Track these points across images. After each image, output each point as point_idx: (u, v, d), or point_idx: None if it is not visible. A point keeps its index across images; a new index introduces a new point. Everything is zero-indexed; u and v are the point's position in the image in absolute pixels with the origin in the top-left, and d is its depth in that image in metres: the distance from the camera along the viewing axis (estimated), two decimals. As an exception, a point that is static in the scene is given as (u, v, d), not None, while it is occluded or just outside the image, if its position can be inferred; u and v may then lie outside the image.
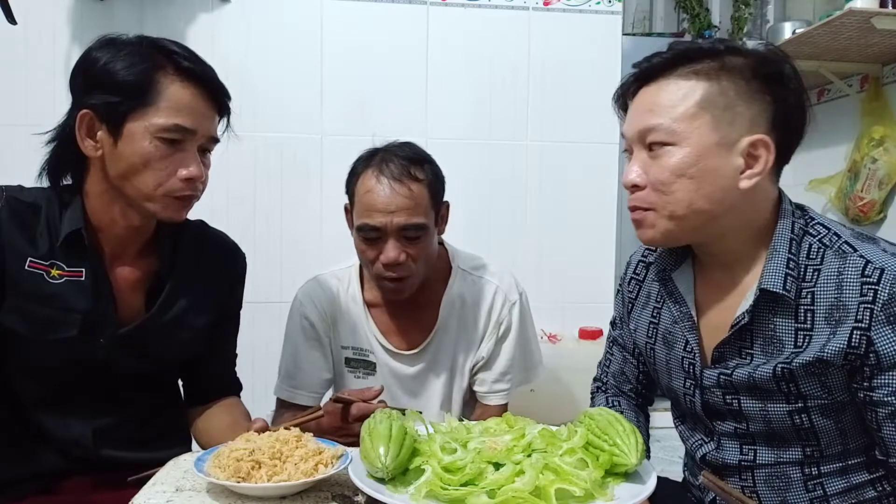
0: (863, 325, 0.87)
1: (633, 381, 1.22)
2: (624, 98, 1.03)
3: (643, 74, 0.98)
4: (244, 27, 2.24)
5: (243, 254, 1.32)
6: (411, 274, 1.36)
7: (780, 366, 0.92)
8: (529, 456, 0.85)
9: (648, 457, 1.16)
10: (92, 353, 1.10)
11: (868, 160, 2.35)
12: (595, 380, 1.29)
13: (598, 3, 2.38)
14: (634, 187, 0.96)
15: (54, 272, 1.09)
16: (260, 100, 2.25)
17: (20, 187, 1.14)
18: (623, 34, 2.47)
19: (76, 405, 1.13)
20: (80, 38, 2.13)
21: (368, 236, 1.33)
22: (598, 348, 2.24)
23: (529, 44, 2.37)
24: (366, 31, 2.29)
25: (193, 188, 1.11)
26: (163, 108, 1.06)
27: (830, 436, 0.95)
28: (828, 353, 0.89)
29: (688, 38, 2.86)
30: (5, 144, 2.10)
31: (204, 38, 2.20)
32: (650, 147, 0.94)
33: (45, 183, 1.15)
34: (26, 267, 1.07)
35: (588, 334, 2.29)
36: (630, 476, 0.86)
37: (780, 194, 0.98)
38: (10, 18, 1.91)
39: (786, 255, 0.93)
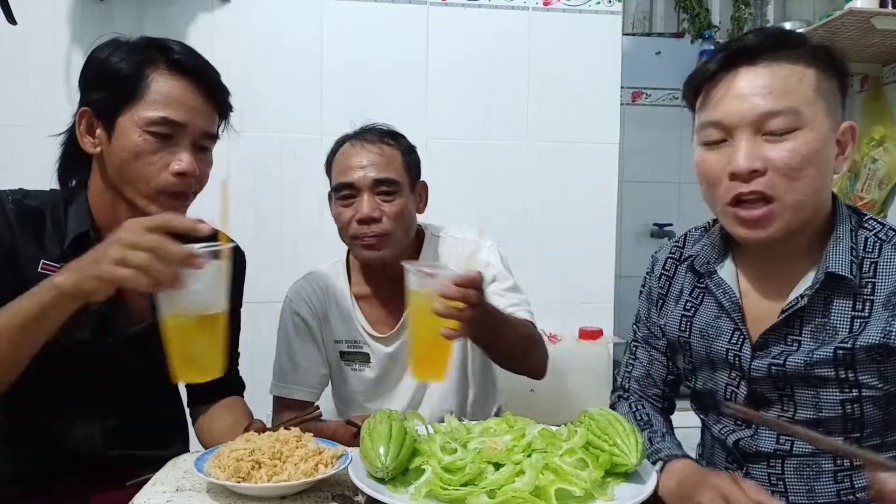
0: None
1: (659, 385, 1.20)
2: (706, 80, 0.97)
3: (740, 53, 0.93)
4: (244, 27, 2.24)
5: (242, 251, 1.32)
6: (387, 232, 1.38)
7: (840, 350, 0.93)
8: (529, 456, 0.85)
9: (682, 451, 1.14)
10: (100, 354, 1.10)
11: (868, 160, 2.35)
12: (615, 389, 1.26)
13: (598, 3, 2.38)
14: (754, 172, 0.91)
15: None
16: (260, 100, 2.24)
17: (23, 191, 1.14)
18: (623, 34, 2.46)
19: (81, 406, 1.13)
20: (80, 38, 2.13)
21: (343, 195, 1.40)
22: (598, 348, 2.26)
23: (529, 44, 2.37)
24: (366, 30, 2.29)
25: (187, 184, 1.09)
26: (150, 101, 1.05)
27: (875, 427, 0.96)
28: (893, 337, 0.90)
29: (688, 38, 2.86)
30: (5, 144, 2.10)
31: (204, 38, 2.19)
32: (769, 132, 0.91)
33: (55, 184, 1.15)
34: (39, 270, 1.07)
35: (588, 334, 2.29)
36: (630, 476, 0.86)
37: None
38: (10, 18, 1.90)
39: (849, 244, 0.95)
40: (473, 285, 1.06)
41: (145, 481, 0.98)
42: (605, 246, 2.43)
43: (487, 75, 2.35)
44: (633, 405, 1.19)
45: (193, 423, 1.29)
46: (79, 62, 2.24)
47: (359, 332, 1.49)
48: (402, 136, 1.49)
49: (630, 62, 2.48)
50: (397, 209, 1.40)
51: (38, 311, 0.91)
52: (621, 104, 2.42)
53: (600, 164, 2.40)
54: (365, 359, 1.49)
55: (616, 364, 2.25)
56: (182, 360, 0.92)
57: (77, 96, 1.13)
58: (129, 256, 0.85)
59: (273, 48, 2.25)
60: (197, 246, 0.88)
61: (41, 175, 1.20)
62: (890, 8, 2.04)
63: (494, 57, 2.35)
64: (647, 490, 0.83)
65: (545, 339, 2.22)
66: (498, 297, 1.43)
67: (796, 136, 0.90)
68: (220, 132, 1.18)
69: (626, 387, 1.24)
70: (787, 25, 2.47)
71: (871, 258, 0.95)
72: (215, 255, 0.89)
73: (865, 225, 0.98)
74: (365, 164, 1.39)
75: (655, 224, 3.09)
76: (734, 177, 0.92)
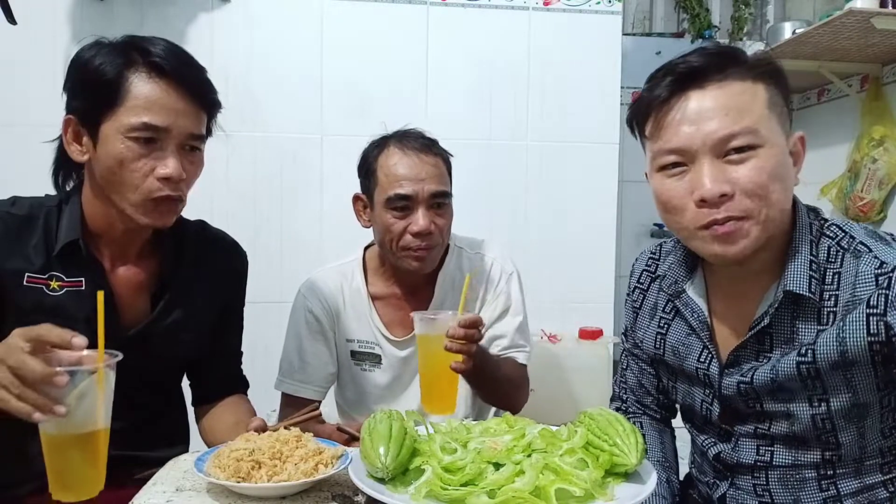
0: (878, 311, 0.86)
1: (652, 393, 1.19)
2: (657, 107, 0.94)
3: (689, 76, 0.91)
4: (244, 27, 2.24)
5: (244, 251, 1.32)
6: (437, 245, 1.41)
7: (803, 366, 0.91)
8: (529, 456, 0.85)
9: (678, 475, 1.15)
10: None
11: (868, 160, 2.35)
12: (613, 398, 1.26)
13: (598, 3, 2.38)
14: (723, 196, 0.88)
15: (54, 284, 1.08)
16: (260, 100, 2.25)
17: (13, 200, 1.12)
18: (623, 34, 2.46)
19: None
20: (80, 38, 2.10)
21: (398, 206, 1.37)
22: (598, 348, 2.26)
23: (529, 44, 2.37)
24: (366, 31, 2.29)
25: (173, 188, 1.06)
26: (130, 107, 1.02)
27: (851, 439, 0.94)
28: (850, 346, 0.88)
29: (688, 38, 2.86)
30: (5, 144, 2.10)
31: (204, 37, 2.20)
32: (729, 153, 0.89)
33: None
34: (24, 283, 1.06)
35: (588, 334, 2.29)
36: (630, 476, 0.86)
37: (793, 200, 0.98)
38: (10, 18, 1.90)
39: (808, 257, 0.92)
40: (475, 325, 1.20)
41: (151, 475, 0.98)
42: (605, 246, 2.43)
43: (487, 75, 2.35)
44: (631, 421, 1.18)
45: (197, 422, 1.29)
46: (79, 62, 2.25)
47: (373, 332, 1.48)
48: (438, 143, 1.46)
49: (630, 62, 2.49)
50: (447, 221, 1.42)
51: None
52: (621, 104, 2.43)
53: (600, 164, 2.41)
54: (376, 360, 1.48)
55: (616, 364, 2.25)
56: (57, 478, 0.87)
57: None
58: (1, 378, 0.81)
59: (273, 48, 2.25)
60: (66, 355, 0.84)
61: (41, 175, 1.20)
62: (890, 8, 2.04)
63: (494, 57, 2.35)
64: (647, 490, 0.83)
65: (546, 339, 2.24)
66: (500, 338, 1.49)
67: (758, 155, 0.88)
68: (212, 129, 1.15)
69: (624, 397, 1.23)
70: (787, 25, 2.48)
71: (833, 268, 0.92)
72: (86, 372, 0.84)
73: (826, 232, 0.94)
74: (424, 177, 1.36)
75: (655, 224, 3.09)
76: (703, 203, 0.89)
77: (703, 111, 0.89)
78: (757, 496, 1.01)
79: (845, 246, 0.92)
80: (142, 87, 1.03)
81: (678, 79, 0.91)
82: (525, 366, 1.52)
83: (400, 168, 1.37)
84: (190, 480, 0.96)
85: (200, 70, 1.10)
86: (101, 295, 0.89)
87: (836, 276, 0.91)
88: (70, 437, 0.85)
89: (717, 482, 1.06)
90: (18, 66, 2.13)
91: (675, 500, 1.11)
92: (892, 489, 0.96)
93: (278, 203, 2.29)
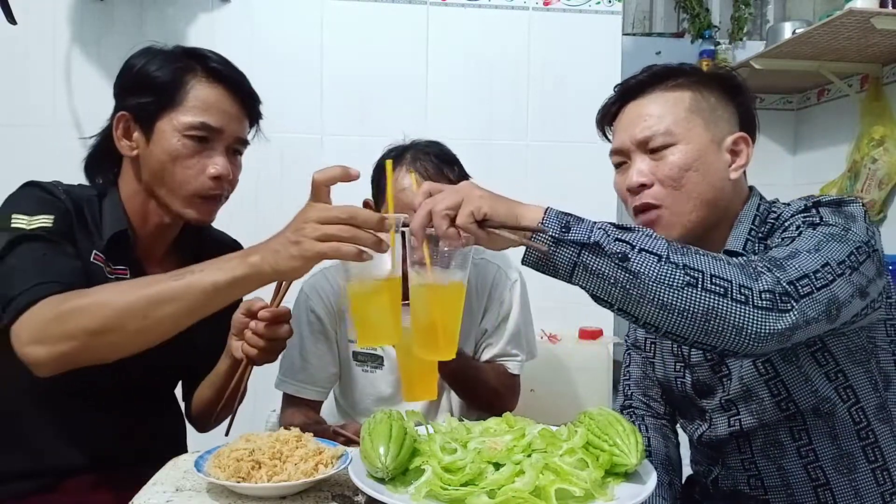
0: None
1: (657, 384, 1.23)
2: (609, 117, 1.15)
3: (627, 92, 1.11)
4: (244, 27, 2.24)
5: (241, 245, 1.34)
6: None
7: None
8: (529, 456, 0.85)
9: (681, 478, 1.19)
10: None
11: (868, 160, 2.35)
12: (617, 396, 1.30)
13: (598, 3, 2.38)
14: (642, 186, 1.05)
15: (109, 268, 1.12)
16: (260, 99, 2.24)
17: (60, 183, 1.16)
18: (623, 34, 2.46)
19: (83, 406, 1.13)
20: (80, 38, 2.13)
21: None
22: (598, 348, 2.26)
23: (529, 44, 2.37)
24: (366, 31, 2.29)
25: (221, 187, 1.14)
26: (190, 107, 1.10)
27: (796, 379, 1.00)
28: None
29: (688, 38, 2.86)
30: (5, 144, 2.10)
31: (204, 38, 2.19)
32: (652, 151, 1.05)
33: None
34: (91, 259, 1.10)
35: (588, 334, 2.28)
36: (630, 476, 0.86)
37: (751, 188, 1.12)
38: (10, 18, 1.91)
39: (748, 226, 1.06)
40: None
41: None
42: (605, 246, 2.43)
43: (487, 75, 2.35)
44: (636, 425, 1.21)
45: (188, 415, 1.30)
46: (79, 62, 2.25)
47: None
48: (458, 164, 1.43)
49: (630, 62, 2.48)
50: None
51: (231, 283, 0.93)
52: (621, 104, 2.43)
53: (600, 164, 2.38)
54: (378, 362, 1.48)
55: (616, 364, 2.25)
56: (363, 326, 0.96)
57: (79, 99, 1.16)
58: (329, 230, 0.90)
59: (273, 48, 2.25)
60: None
61: (41, 175, 1.20)
62: (890, 8, 2.04)
63: (494, 57, 2.35)
64: (647, 490, 0.83)
65: (546, 339, 2.24)
66: (491, 346, 1.50)
67: (673, 151, 1.04)
68: (250, 138, 1.24)
69: (628, 393, 1.27)
70: (787, 25, 2.48)
71: (770, 227, 1.04)
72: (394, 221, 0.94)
73: (773, 208, 1.07)
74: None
75: (655, 224, 3.10)
76: (630, 191, 1.08)
77: (632, 119, 1.09)
78: (745, 471, 1.07)
79: (784, 215, 1.03)
80: (201, 89, 1.12)
81: (621, 94, 1.12)
82: (516, 375, 1.52)
83: (406, 196, 1.34)
84: (190, 480, 0.96)
85: (248, 80, 1.20)
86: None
87: (771, 239, 1.02)
88: (376, 283, 0.94)
89: (711, 467, 1.13)
90: (18, 66, 2.13)
91: (676, 502, 1.13)
92: (872, 458, 1.00)
93: (278, 203, 2.29)
